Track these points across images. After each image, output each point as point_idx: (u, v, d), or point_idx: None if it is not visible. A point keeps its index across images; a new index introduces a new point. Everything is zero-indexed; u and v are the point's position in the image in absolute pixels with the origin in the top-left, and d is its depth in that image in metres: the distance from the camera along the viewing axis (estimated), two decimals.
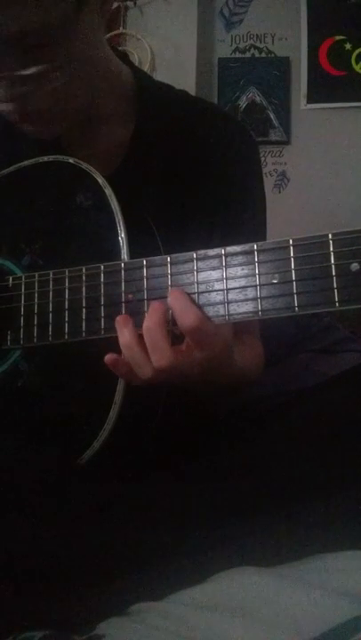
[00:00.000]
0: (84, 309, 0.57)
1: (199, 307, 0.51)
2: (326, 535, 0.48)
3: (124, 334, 0.52)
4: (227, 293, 0.50)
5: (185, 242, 0.58)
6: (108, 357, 0.53)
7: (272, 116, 2.11)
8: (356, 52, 2.02)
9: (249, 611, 0.39)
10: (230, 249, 0.51)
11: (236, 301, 0.50)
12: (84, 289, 0.57)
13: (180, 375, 0.52)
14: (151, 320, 0.51)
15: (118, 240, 0.57)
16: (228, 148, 0.74)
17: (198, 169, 0.72)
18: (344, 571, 0.42)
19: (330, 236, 0.47)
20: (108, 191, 0.59)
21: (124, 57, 0.75)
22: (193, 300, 0.51)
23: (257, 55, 2.13)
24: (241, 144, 0.76)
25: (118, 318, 0.53)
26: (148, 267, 0.54)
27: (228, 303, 0.50)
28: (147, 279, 0.54)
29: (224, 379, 0.56)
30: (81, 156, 0.70)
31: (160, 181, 0.71)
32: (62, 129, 0.65)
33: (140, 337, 0.51)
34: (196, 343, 0.50)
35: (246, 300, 0.50)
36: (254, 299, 0.49)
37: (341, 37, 2.02)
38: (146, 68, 1.96)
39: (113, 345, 0.55)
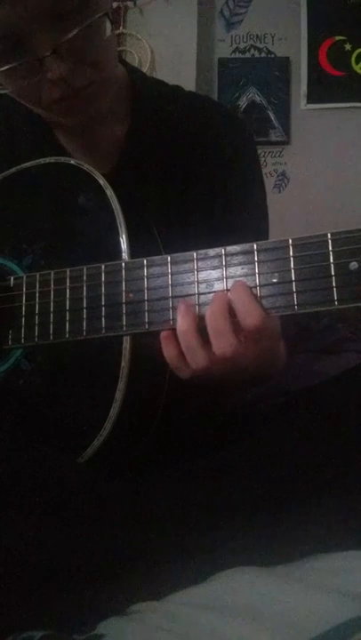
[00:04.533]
0: (84, 309, 0.57)
1: (261, 304, 0.49)
2: (326, 535, 0.48)
3: (185, 320, 0.51)
4: (227, 293, 0.50)
5: (185, 239, 0.58)
6: (164, 333, 0.52)
7: (272, 116, 2.11)
8: (357, 52, 2.02)
9: (249, 610, 0.39)
10: (230, 248, 0.51)
11: None
12: (84, 289, 0.57)
13: (233, 366, 0.51)
14: (215, 306, 0.50)
15: (119, 240, 0.57)
16: (224, 141, 0.74)
17: (196, 165, 0.72)
18: (344, 571, 0.42)
19: (329, 235, 0.47)
20: (109, 192, 0.59)
21: (118, 55, 0.75)
22: (256, 297, 0.49)
23: (257, 55, 2.13)
24: (237, 136, 0.76)
25: (181, 305, 0.51)
26: (148, 266, 0.54)
27: None
28: (147, 279, 0.54)
29: (272, 369, 0.56)
30: (78, 156, 0.71)
31: (158, 179, 0.71)
32: (95, 112, 0.65)
33: (198, 324, 0.51)
34: (254, 339, 0.50)
35: None
36: None
37: (341, 37, 2.03)
38: (146, 68, 1.96)
39: (114, 344, 0.55)
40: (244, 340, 0.50)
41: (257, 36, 2.13)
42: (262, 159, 2.08)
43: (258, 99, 2.12)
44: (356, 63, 2.02)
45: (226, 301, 0.49)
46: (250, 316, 0.48)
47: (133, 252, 0.57)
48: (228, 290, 0.51)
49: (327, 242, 0.47)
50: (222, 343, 0.49)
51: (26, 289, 0.61)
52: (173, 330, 0.52)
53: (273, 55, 2.12)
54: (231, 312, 0.50)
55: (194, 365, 0.51)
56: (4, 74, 0.58)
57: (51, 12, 0.54)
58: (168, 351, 0.52)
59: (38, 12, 0.54)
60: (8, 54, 0.56)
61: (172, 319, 0.53)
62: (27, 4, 0.53)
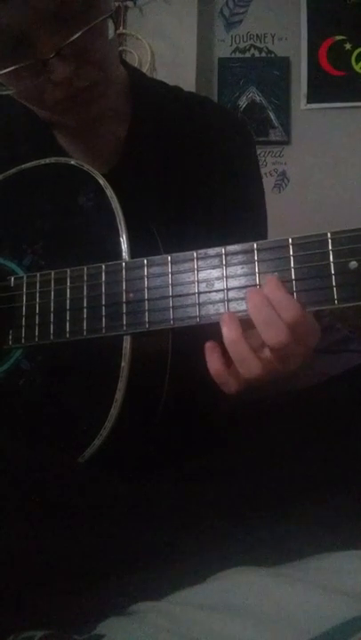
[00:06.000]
0: (85, 309, 0.57)
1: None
2: (326, 535, 0.47)
3: (231, 329, 0.49)
4: (227, 292, 0.51)
5: (185, 239, 0.58)
6: (209, 344, 0.51)
7: (272, 115, 2.11)
8: (357, 52, 2.02)
9: (249, 611, 0.39)
10: (230, 248, 0.51)
11: (237, 300, 0.50)
12: (85, 288, 0.57)
13: (283, 368, 0.50)
14: (255, 299, 0.48)
15: (119, 240, 0.57)
16: (224, 141, 0.74)
17: (195, 165, 0.72)
18: (344, 571, 0.42)
19: (329, 234, 0.47)
20: (109, 192, 0.59)
21: (119, 55, 0.75)
22: (289, 292, 0.48)
23: (257, 55, 2.13)
24: (237, 137, 0.76)
25: (225, 316, 0.49)
26: (148, 266, 0.54)
27: (229, 301, 0.50)
28: (147, 278, 0.54)
29: (305, 373, 0.54)
30: (78, 156, 0.71)
31: (158, 179, 0.71)
32: (97, 113, 0.65)
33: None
34: (296, 338, 0.48)
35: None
36: None
37: (341, 37, 2.03)
38: (146, 68, 1.96)
39: (114, 344, 0.55)
40: (293, 335, 0.48)
41: (257, 35, 2.13)
42: (262, 159, 2.08)
43: (258, 99, 2.12)
44: (357, 63, 2.02)
45: (262, 293, 0.48)
46: (287, 309, 0.47)
47: (134, 252, 0.57)
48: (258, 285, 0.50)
49: (327, 241, 0.47)
50: (274, 332, 0.47)
51: (26, 289, 0.61)
52: (217, 342, 0.50)
53: (273, 55, 2.12)
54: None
55: (247, 375, 0.49)
56: (7, 75, 0.58)
57: (55, 15, 0.54)
58: (215, 364, 0.51)
59: (43, 15, 0.54)
60: (12, 56, 0.56)
61: (173, 319, 0.53)
62: (31, 7, 0.53)
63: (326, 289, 0.47)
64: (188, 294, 0.52)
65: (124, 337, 0.55)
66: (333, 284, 0.47)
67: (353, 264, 0.46)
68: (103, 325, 0.55)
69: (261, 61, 2.12)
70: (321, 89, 2.06)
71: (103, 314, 0.56)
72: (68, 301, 0.58)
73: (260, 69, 2.11)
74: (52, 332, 0.58)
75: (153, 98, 0.74)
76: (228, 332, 0.49)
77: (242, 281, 0.50)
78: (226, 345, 0.50)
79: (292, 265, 0.48)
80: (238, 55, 2.14)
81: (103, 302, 0.56)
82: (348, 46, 2.02)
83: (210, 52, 2.14)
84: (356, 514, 0.48)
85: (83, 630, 0.40)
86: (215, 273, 0.51)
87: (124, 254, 0.57)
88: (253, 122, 2.08)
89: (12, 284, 0.62)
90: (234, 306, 0.50)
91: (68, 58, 0.56)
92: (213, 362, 0.51)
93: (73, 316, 0.57)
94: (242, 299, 0.50)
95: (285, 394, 0.70)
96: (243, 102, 2.13)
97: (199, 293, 0.52)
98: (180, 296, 0.53)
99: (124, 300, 0.55)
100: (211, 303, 0.51)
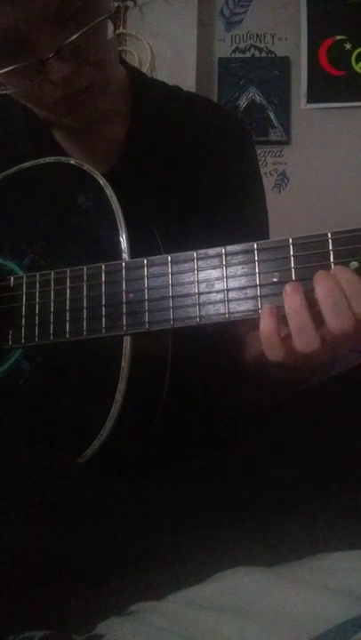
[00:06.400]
0: (85, 309, 0.57)
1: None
2: (326, 535, 0.48)
3: (295, 299, 0.47)
4: (227, 292, 0.51)
5: (185, 239, 0.58)
6: (269, 306, 0.49)
7: (272, 115, 2.11)
8: (357, 52, 2.02)
9: (249, 611, 0.39)
10: (230, 248, 0.51)
11: (237, 300, 0.50)
12: (85, 288, 0.57)
13: (335, 353, 0.49)
14: (328, 284, 0.47)
15: (119, 240, 0.57)
16: (224, 141, 0.74)
17: (195, 165, 0.72)
18: (344, 571, 0.42)
19: (329, 234, 0.47)
20: (109, 192, 0.59)
21: (119, 55, 0.75)
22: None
23: (257, 55, 2.13)
24: (237, 136, 0.76)
25: (287, 288, 0.48)
26: (148, 266, 0.54)
27: (229, 302, 0.50)
28: (147, 278, 0.54)
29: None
30: (77, 156, 0.71)
31: (157, 179, 0.71)
32: (96, 113, 0.64)
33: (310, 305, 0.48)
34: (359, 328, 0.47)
35: (246, 298, 0.50)
36: (254, 297, 0.49)
37: (341, 37, 2.03)
38: (146, 67, 1.96)
39: (114, 344, 0.55)
40: (358, 326, 0.47)
41: (257, 35, 2.12)
42: (262, 159, 2.08)
43: (258, 99, 2.12)
44: (357, 63, 2.02)
45: (335, 279, 0.47)
46: (339, 320, 0.46)
47: (133, 252, 0.57)
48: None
49: (327, 241, 0.47)
50: (340, 319, 0.46)
51: (26, 289, 0.61)
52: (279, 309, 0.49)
53: (273, 55, 2.12)
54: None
55: (300, 344, 0.48)
56: (6, 75, 0.58)
57: (54, 15, 0.54)
58: (268, 326, 0.49)
59: (42, 15, 0.54)
60: (11, 55, 0.56)
61: (173, 319, 0.53)
62: (31, 7, 0.53)
63: None
64: (188, 294, 0.52)
65: (124, 337, 0.55)
66: None
67: (354, 264, 0.46)
68: (103, 325, 0.55)
69: (261, 61, 2.12)
70: (321, 89, 2.06)
71: (103, 314, 0.56)
72: (67, 301, 0.58)
73: (260, 69, 2.11)
74: (51, 332, 0.58)
75: (153, 98, 0.74)
76: (292, 301, 0.47)
77: (242, 281, 0.50)
78: (287, 314, 0.48)
79: (292, 265, 0.48)
80: (238, 55, 2.14)
81: (103, 302, 0.56)
82: (348, 46, 2.02)
83: (210, 52, 2.14)
84: (356, 514, 0.48)
85: (83, 630, 0.40)
86: (215, 273, 0.51)
87: (124, 254, 0.57)
88: (253, 122, 2.08)
89: (12, 284, 0.62)
90: (234, 306, 0.50)
91: (67, 58, 0.56)
92: (268, 323, 0.49)
93: (73, 316, 0.57)
94: (242, 299, 0.50)
95: (285, 394, 0.70)
96: (243, 102, 2.13)
97: (199, 294, 0.52)
98: (180, 296, 0.53)
99: (124, 300, 0.55)
100: (211, 303, 0.51)
